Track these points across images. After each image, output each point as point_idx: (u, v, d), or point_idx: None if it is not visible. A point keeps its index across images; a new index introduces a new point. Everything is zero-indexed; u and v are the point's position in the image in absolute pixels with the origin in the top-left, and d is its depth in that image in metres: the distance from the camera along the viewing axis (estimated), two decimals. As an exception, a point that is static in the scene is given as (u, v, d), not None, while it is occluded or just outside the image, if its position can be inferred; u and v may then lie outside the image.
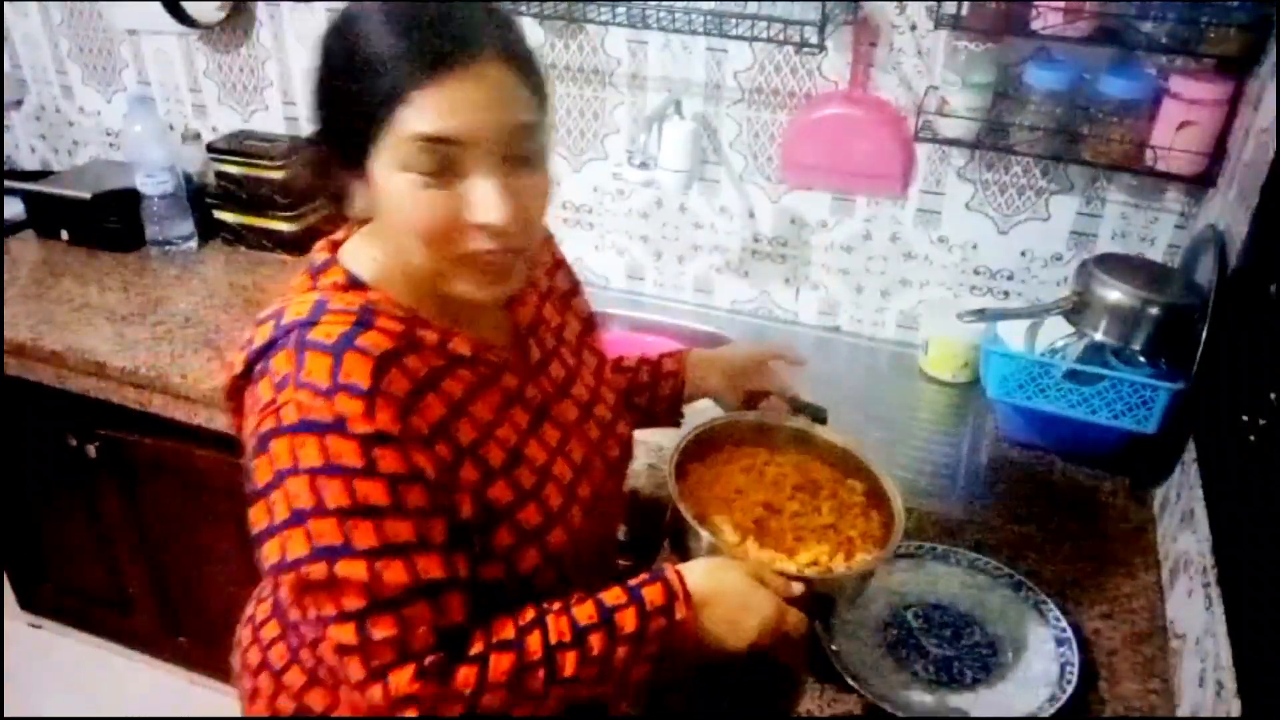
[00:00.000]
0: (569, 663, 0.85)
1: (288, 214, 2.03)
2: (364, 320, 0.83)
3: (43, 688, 2.19)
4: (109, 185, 2.07)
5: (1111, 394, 1.33)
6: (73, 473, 1.92)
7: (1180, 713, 1.08)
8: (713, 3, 1.53)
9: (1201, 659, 1.03)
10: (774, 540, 1.04)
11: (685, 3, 1.52)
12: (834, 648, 1.11)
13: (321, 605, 0.80)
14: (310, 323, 0.83)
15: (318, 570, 0.78)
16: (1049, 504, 1.40)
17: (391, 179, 0.81)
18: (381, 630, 0.80)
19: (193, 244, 2.08)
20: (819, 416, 1.19)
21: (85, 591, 2.16)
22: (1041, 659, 1.12)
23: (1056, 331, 1.41)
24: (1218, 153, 1.41)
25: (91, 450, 1.84)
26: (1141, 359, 1.34)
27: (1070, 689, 1.07)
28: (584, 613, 0.87)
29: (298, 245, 2.06)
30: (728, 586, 0.91)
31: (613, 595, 0.89)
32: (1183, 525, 1.23)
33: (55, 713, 2.11)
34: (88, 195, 2.04)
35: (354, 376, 0.79)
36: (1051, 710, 1.05)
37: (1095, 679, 1.12)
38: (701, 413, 1.21)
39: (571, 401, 1.01)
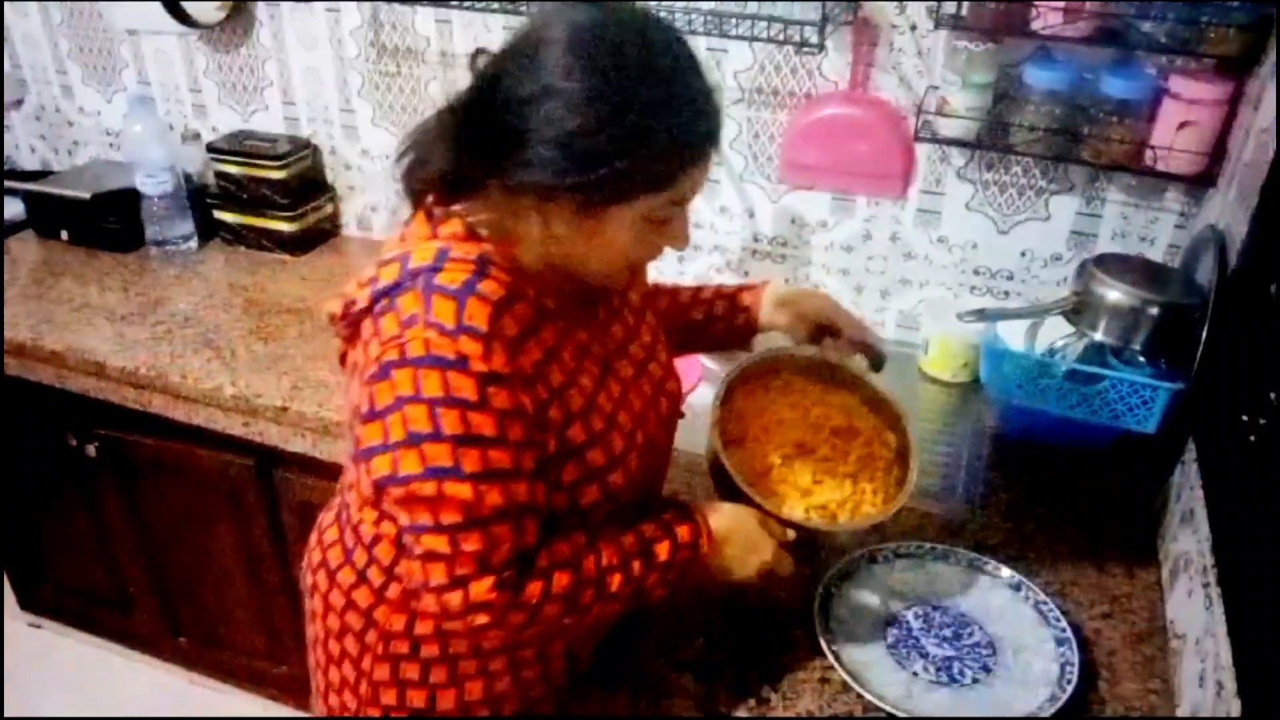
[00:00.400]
0: (614, 582, 0.97)
1: (287, 214, 2.03)
2: (482, 269, 0.91)
3: (43, 688, 2.19)
4: (109, 185, 2.07)
5: (1111, 394, 1.33)
6: (73, 473, 1.92)
7: (1180, 713, 1.08)
8: (713, 3, 1.53)
9: (1201, 659, 1.03)
10: (795, 478, 1.11)
11: (685, 3, 1.51)
12: (834, 648, 1.11)
13: (419, 515, 0.89)
14: (435, 269, 0.91)
15: (428, 488, 0.88)
16: (1049, 504, 1.41)
17: (630, 223, 0.92)
18: (470, 544, 0.89)
19: (193, 244, 2.09)
20: (877, 363, 1.22)
21: (85, 591, 2.16)
22: (1041, 659, 1.12)
23: (1056, 331, 1.41)
24: (1218, 153, 1.41)
25: (91, 450, 1.84)
26: (1141, 359, 1.34)
27: (1070, 689, 1.07)
28: (627, 541, 1.00)
29: (297, 245, 2.07)
30: (740, 530, 1.05)
31: (649, 528, 1.01)
32: (1183, 525, 1.23)
33: (55, 713, 2.11)
34: (88, 195, 2.04)
35: (475, 320, 0.88)
36: (1051, 710, 1.05)
37: (1095, 679, 1.13)
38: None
39: (629, 360, 1.09)
